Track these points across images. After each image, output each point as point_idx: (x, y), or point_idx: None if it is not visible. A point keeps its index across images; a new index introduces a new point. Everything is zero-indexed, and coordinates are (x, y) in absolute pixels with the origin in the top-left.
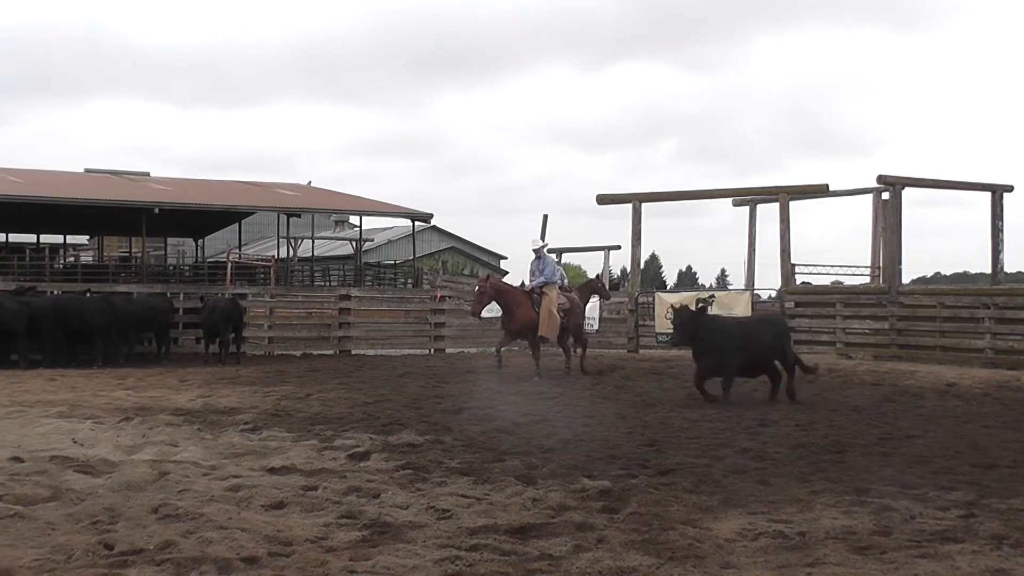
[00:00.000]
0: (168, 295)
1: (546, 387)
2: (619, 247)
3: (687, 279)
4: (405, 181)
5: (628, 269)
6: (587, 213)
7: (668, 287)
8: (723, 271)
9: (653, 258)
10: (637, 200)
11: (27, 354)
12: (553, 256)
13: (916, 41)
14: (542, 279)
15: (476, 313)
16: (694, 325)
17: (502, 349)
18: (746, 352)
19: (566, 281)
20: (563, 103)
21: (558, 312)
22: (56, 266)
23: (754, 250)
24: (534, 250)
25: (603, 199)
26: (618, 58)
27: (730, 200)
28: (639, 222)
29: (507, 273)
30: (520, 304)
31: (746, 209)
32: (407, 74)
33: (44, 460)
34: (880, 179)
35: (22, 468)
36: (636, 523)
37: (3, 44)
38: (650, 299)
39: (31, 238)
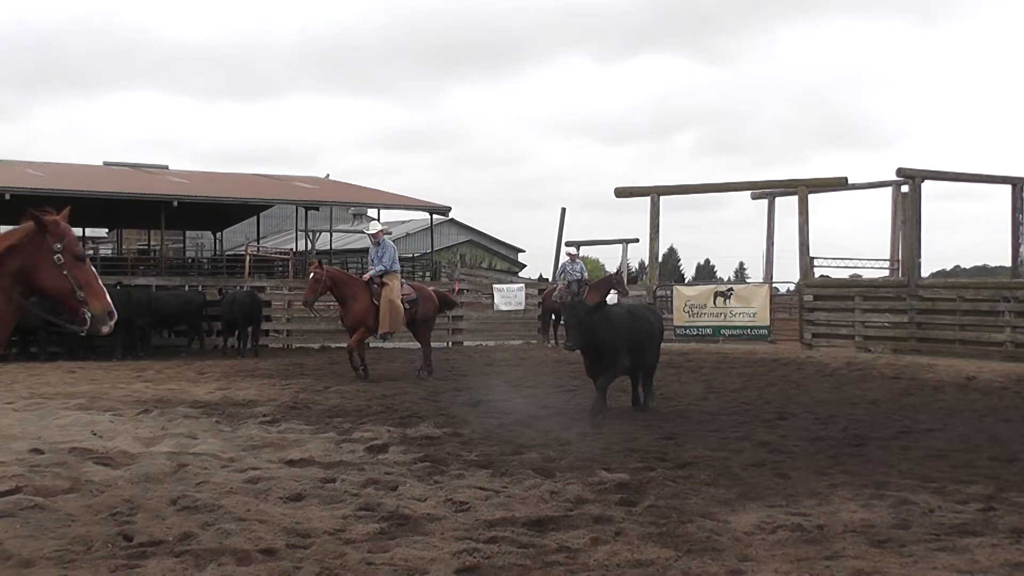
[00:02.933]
0: (200, 289)
1: (564, 380)
2: (637, 240)
3: (705, 273)
4: (423, 174)
5: (646, 262)
6: (605, 206)
7: (686, 280)
8: (741, 264)
9: (671, 251)
10: (655, 193)
11: (46, 346)
12: (392, 242)
13: (937, 33)
14: (381, 267)
15: (307, 302)
16: (590, 322)
17: (371, 343)
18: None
19: (585, 275)
20: (581, 96)
21: (403, 304)
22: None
23: (772, 243)
24: (371, 235)
25: (621, 192)
26: (636, 51)
27: (748, 193)
28: (657, 215)
29: (524, 267)
30: (357, 296)
31: (765, 202)
32: (425, 67)
33: (64, 452)
34: (900, 172)
35: (42, 460)
36: (654, 516)
37: (23, 37)
38: (668, 292)
39: None
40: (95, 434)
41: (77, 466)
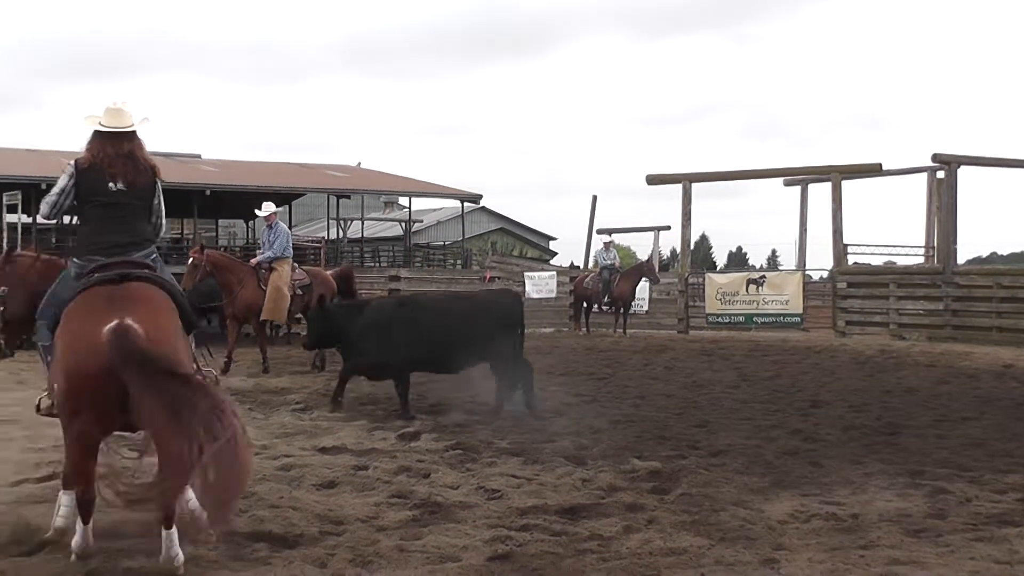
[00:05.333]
0: None
1: (596, 367)
2: (669, 228)
3: (737, 260)
4: (454, 161)
5: (678, 250)
6: (636, 193)
7: (718, 268)
8: (774, 252)
9: (703, 239)
10: (687, 180)
11: None
12: (284, 225)
13: (973, 12)
14: (270, 253)
15: (186, 290)
16: (329, 322)
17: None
18: (423, 342)
19: (618, 262)
20: (612, 83)
21: (294, 291)
22: None
23: (806, 230)
24: (264, 217)
25: (653, 179)
26: (667, 33)
27: (781, 180)
28: (689, 202)
29: (556, 254)
30: (243, 282)
31: (797, 189)
32: (455, 52)
33: None
34: (935, 157)
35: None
36: (686, 504)
37: (57, 26)
38: (700, 280)
39: None
40: None
41: (112, 453)
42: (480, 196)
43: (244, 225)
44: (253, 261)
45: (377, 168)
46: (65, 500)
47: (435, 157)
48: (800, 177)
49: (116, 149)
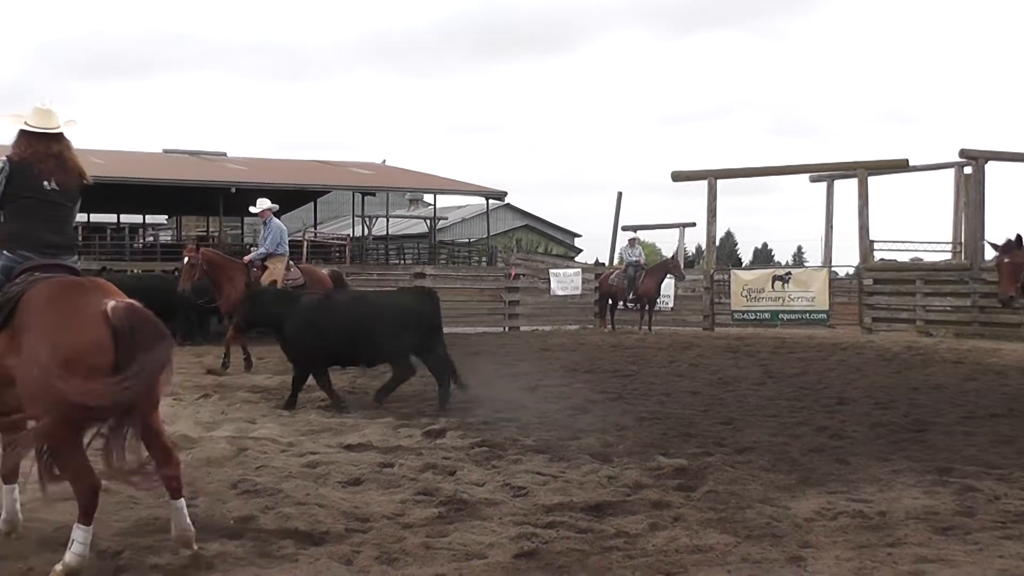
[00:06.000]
0: None
1: (621, 365)
2: (694, 224)
3: (763, 257)
4: (480, 159)
5: (703, 247)
6: (661, 190)
7: (744, 265)
8: (799, 248)
9: (728, 235)
10: (712, 177)
11: None
12: (279, 222)
13: (1003, 6)
14: (262, 250)
15: (185, 290)
16: (259, 303)
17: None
18: (341, 336)
19: (643, 259)
20: (638, 79)
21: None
22: (136, 245)
23: (831, 227)
24: (258, 213)
25: (678, 176)
26: (693, 29)
27: (807, 176)
28: (714, 199)
29: (581, 251)
30: (234, 280)
31: (823, 185)
32: (482, 49)
33: None
34: (963, 153)
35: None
36: (713, 501)
37: (85, 24)
38: (726, 277)
39: (112, 218)
40: None
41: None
42: (505, 193)
43: None
44: (246, 258)
45: (402, 165)
46: (79, 536)
47: (460, 154)
48: (826, 173)
49: (46, 149)
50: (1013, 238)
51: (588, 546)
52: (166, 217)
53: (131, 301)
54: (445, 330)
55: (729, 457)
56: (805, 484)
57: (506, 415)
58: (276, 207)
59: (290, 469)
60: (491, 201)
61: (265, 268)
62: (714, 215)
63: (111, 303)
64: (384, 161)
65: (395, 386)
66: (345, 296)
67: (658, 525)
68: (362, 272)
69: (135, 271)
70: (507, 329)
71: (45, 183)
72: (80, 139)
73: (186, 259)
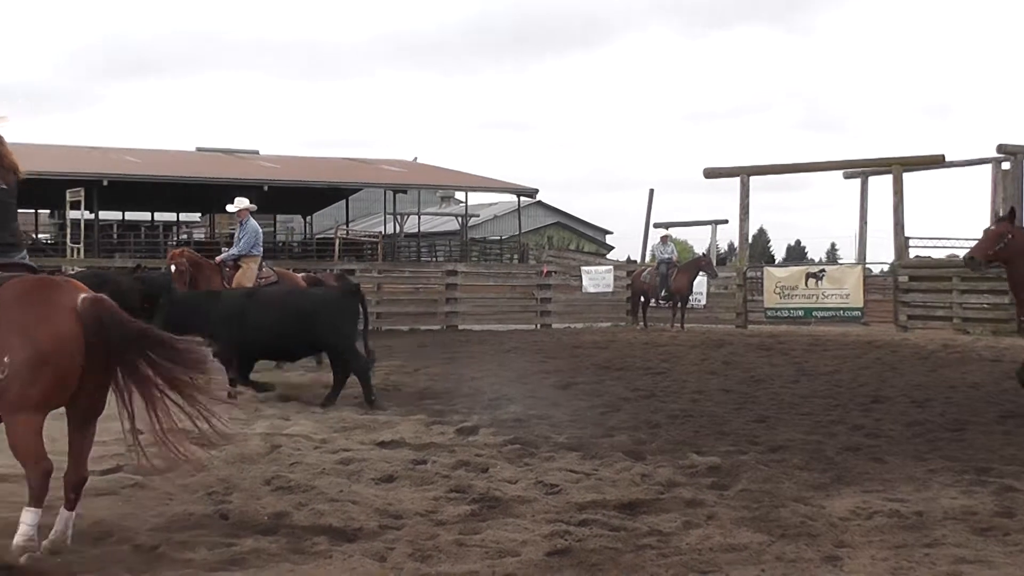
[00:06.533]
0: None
1: (654, 362)
2: (726, 221)
3: (796, 253)
4: (511, 156)
5: (735, 244)
6: (693, 187)
7: (776, 262)
8: (833, 245)
9: (761, 232)
10: (745, 173)
11: None
12: (255, 222)
13: None
14: (235, 251)
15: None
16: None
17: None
18: (259, 332)
19: (675, 256)
20: (669, 76)
21: None
22: (170, 243)
23: (866, 223)
24: (235, 212)
25: (710, 173)
26: (723, 24)
27: (841, 172)
28: (747, 196)
29: (612, 248)
30: (210, 280)
31: (857, 181)
32: (513, 46)
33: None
34: (1000, 148)
35: (140, 440)
36: (746, 500)
37: (117, 24)
38: (758, 274)
39: (146, 216)
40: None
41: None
42: (536, 190)
43: (302, 220)
44: (217, 259)
45: (434, 163)
46: (29, 519)
47: (491, 151)
48: (860, 169)
49: None
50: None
51: (621, 544)
52: (199, 215)
53: (99, 295)
54: (477, 327)
55: (763, 455)
56: (840, 483)
57: (538, 412)
58: (254, 207)
59: (323, 466)
60: (523, 198)
61: (238, 268)
62: (747, 212)
63: (80, 297)
64: (416, 159)
65: (367, 381)
66: (266, 293)
67: (691, 523)
68: (393, 269)
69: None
70: (539, 326)
71: None
72: (114, 138)
73: (174, 268)
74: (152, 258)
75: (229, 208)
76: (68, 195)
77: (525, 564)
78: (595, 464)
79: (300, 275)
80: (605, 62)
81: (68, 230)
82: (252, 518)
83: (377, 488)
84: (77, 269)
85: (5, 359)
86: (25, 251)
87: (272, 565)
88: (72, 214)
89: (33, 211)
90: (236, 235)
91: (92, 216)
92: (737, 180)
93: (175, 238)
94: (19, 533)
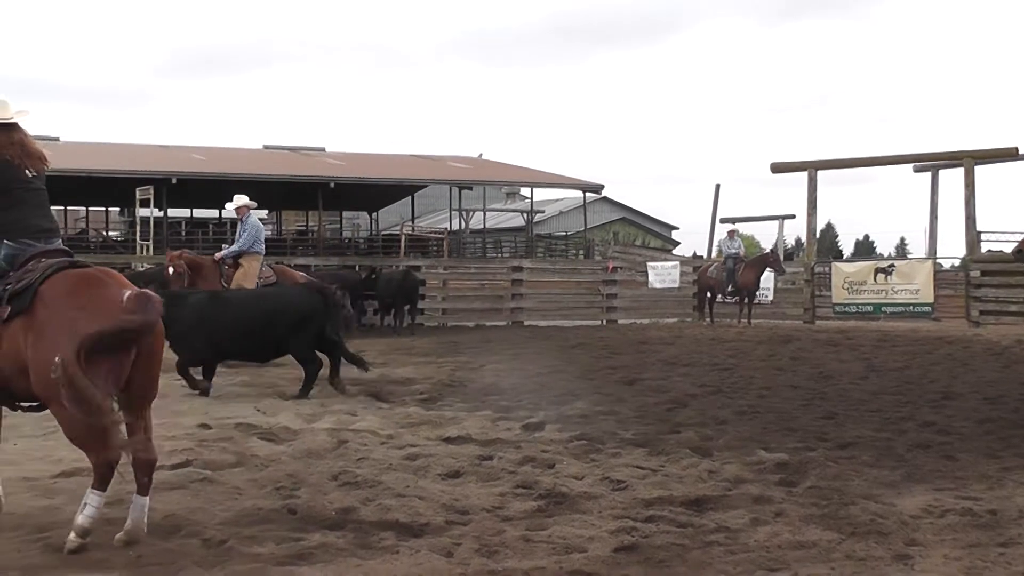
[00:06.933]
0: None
1: (720, 358)
2: (794, 216)
3: (864, 248)
4: (576, 151)
5: (803, 239)
6: (760, 181)
7: (844, 257)
8: (902, 240)
9: (829, 227)
10: (813, 168)
11: None
12: (257, 218)
13: None
14: (235, 248)
15: None
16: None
17: None
18: (225, 334)
19: (742, 251)
20: (735, 69)
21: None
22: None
23: (936, 217)
24: (235, 209)
25: (777, 167)
26: (791, 16)
27: (911, 166)
28: (815, 190)
29: (678, 244)
30: (208, 279)
31: (928, 175)
32: (578, 40)
33: (230, 427)
34: None
35: (209, 435)
36: (815, 497)
37: (184, 22)
38: (826, 269)
39: (213, 213)
40: (258, 410)
41: (242, 441)
42: (602, 186)
43: (368, 217)
44: (217, 256)
45: (499, 159)
46: (94, 500)
47: (557, 147)
48: (931, 163)
49: (8, 138)
50: None
51: (688, 540)
52: (266, 212)
53: (144, 290)
54: (542, 323)
55: (832, 452)
56: (911, 480)
57: (604, 408)
58: (254, 204)
59: (390, 461)
60: (588, 194)
61: (239, 266)
62: (814, 207)
63: (127, 292)
64: (481, 155)
65: (311, 384)
66: (231, 295)
67: (759, 520)
68: (459, 265)
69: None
70: (604, 322)
71: (27, 172)
72: (182, 136)
73: (170, 269)
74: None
75: (229, 206)
76: (138, 193)
77: (592, 560)
78: (662, 460)
79: (300, 274)
80: (671, 56)
81: (138, 227)
82: (319, 513)
83: (443, 484)
84: (146, 266)
85: (57, 358)
86: (59, 237)
87: (339, 560)
88: (142, 212)
89: (104, 209)
90: (237, 232)
91: (161, 213)
92: (805, 175)
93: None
94: (83, 514)
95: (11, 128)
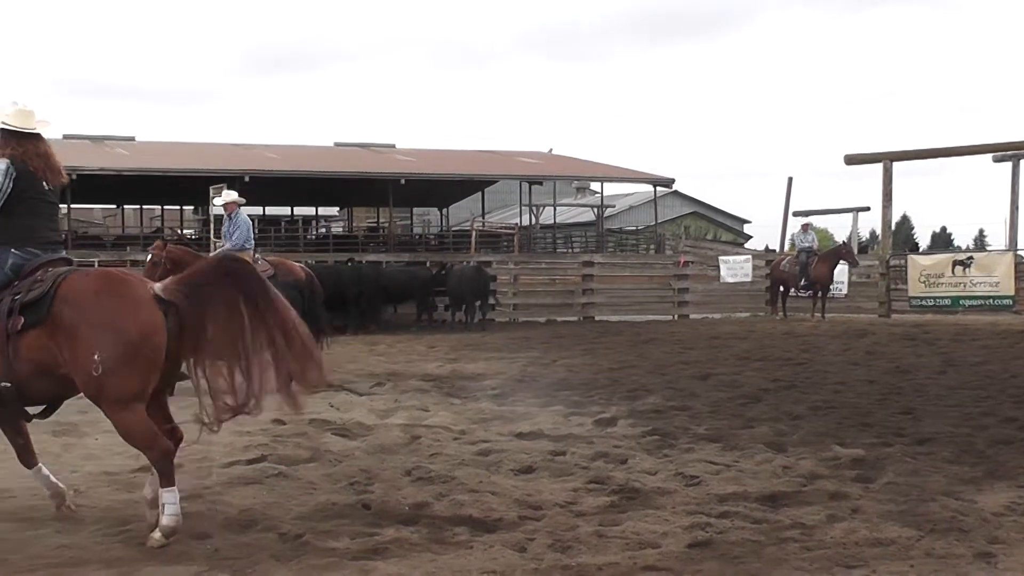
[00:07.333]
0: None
1: (794, 352)
2: (868, 209)
3: (941, 241)
4: (646, 145)
5: (878, 232)
6: (834, 173)
7: (920, 249)
8: (981, 232)
9: (904, 219)
10: (888, 159)
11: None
12: (246, 214)
13: None
14: (228, 245)
15: None
16: None
17: None
18: None
19: (816, 244)
20: (806, 59)
21: None
22: (309, 237)
23: (1017, 208)
24: (222, 205)
25: (851, 159)
26: (864, 5)
27: (990, 156)
28: (890, 182)
29: (751, 238)
30: None
31: (1008, 165)
32: (648, 32)
33: (303, 423)
34: None
35: (284, 430)
36: (893, 493)
37: (254, 20)
38: (902, 262)
39: (285, 211)
40: (332, 406)
41: (316, 436)
42: (672, 180)
43: (438, 213)
44: (212, 254)
45: (569, 154)
46: (170, 498)
47: (627, 141)
48: (1011, 152)
49: (35, 149)
50: None
51: (763, 537)
52: (337, 209)
53: (166, 284)
54: (614, 318)
55: (909, 448)
56: (992, 477)
57: (677, 404)
58: (243, 200)
59: (463, 457)
60: (659, 188)
61: None
62: (889, 199)
63: (154, 286)
64: (551, 150)
65: None
66: None
67: (836, 516)
68: (530, 261)
69: (307, 262)
70: (676, 317)
71: (44, 183)
72: (255, 134)
73: (150, 257)
74: (291, 252)
75: (216, 201)
76: (211, 191)
77: (666, 556)
78: (735, 456)
79: (299, 265)
80: (742, 47)
81: (211, 225)
82: (393, 508)
83: (516, 479)
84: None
85: (96, 356)
86: (64, 248)
87: (413, 555)
88: (215, 210)
89: (178, 207)
90: (226, 229)
91: None
92: (879, 166)
93: (314, 232)
94: (166, 514)
95: (37, 139)
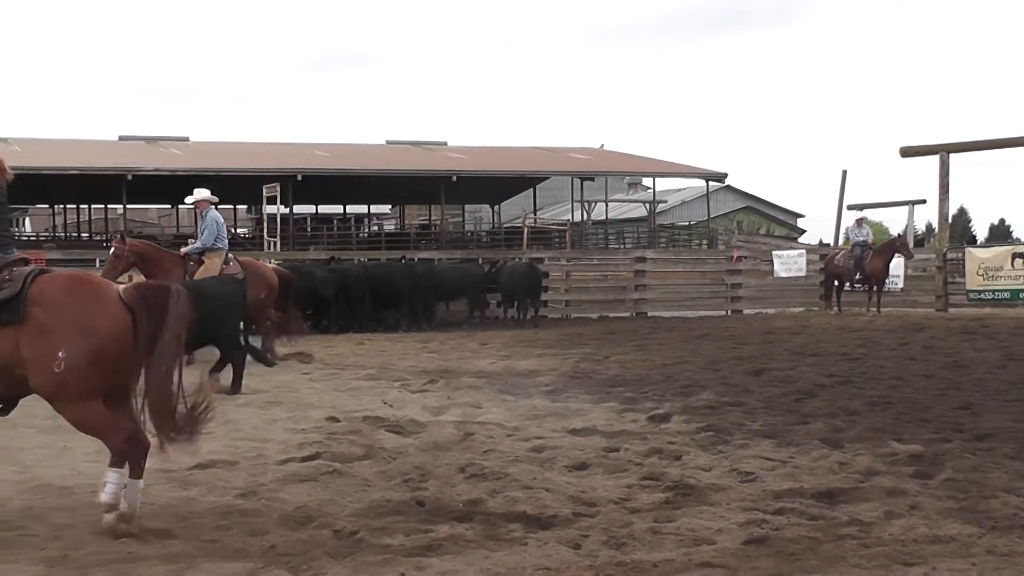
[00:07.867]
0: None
1: (849, 347)
2: (924, 201)
3: (1000, 233)
4: (699, 140)
5: (934, 225)
6: (889, 166)
7: (978, 242)
8: None
9: (961, 212)
10: (944, 151)
11: (337, 319)
12: (218, 214)
13: None
14: (199, 244)
15: (111, 279)
16: None
17: None
18: None
19: (870, 238)
20: (859, 50)
21: None
22: (361, 235)
23: None
24: (193, 203)
25: (907, 152)
26: None
27: None
28: (946, 174)
29: (804, 232)
30: (170, 273)
31: None
32: (700, 27)
33: (357, 420)
34: None
35: (338, 427)
36: (952, 490)
37: (307, 18)
38: (960, 255)
39: (338, 209)
40: (386, 403)
41: (371, 434)
42: (725, 174)
43: (490, 209)
44: (182, 251)
45: (620, 149)
46: (113, 477)
47: (679, 136)
48: None
49: None
50: None
51: (820, 533)
52: (389, 207)
53: (137, 283)
54: (666, 314)
55: (968, 444)
56: None
57: (731, 399)
58: (216, 199)
59: (516, 453)
60: (711, 183)
61: (202, 263)
62: (946, 191)
63: (121, 287)
64: (602, 146)
65: (240, 371)
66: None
67: (894, 513)
68: (582, 257)
69: (360, 259)
70: (729, 312)
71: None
72: (305, 133)
73: (112, 251)
74: (344, 250)
75: (188, 200)
76: (264, 191)
77: (721, 552)
78: (791, 452)
79: (272, 266)
80: (794, 41)
81: (264, 224)
82: (447, 505)
83: (570, 475)
84: (275, 263)
85: (60, 353)
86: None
87: (468, 551)
88: (268, 209)
89: (232, 207)
90: (198, 228)
91: (287, 210)
92: (936, 158)
93: (366, 230)
94: (105, 491)
95: None
